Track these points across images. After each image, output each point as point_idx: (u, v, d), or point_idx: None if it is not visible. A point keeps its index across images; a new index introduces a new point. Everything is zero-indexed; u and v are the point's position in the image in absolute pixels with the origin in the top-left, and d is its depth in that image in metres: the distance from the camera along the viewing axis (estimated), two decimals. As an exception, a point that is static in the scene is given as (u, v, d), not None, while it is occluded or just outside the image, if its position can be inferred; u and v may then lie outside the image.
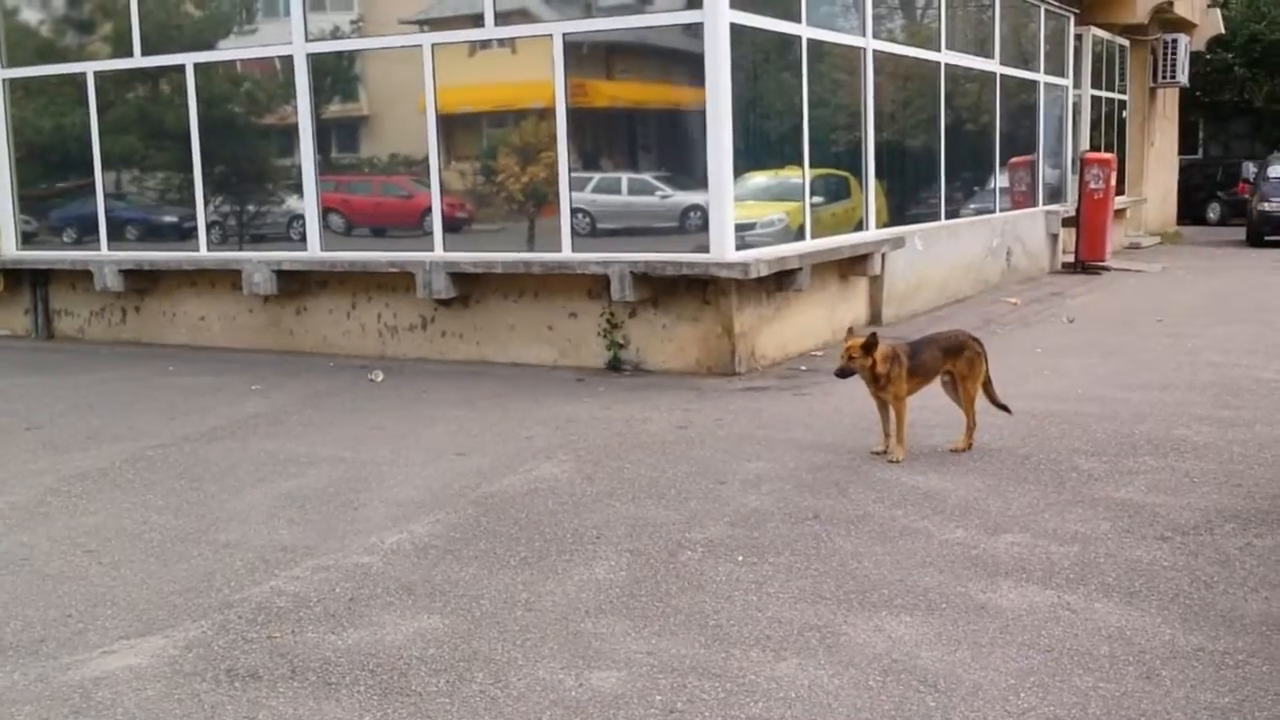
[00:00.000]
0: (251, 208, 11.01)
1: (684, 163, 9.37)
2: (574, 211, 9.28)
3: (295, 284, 10.43)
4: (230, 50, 10.76)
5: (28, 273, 11.74)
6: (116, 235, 11.35)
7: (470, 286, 9.74)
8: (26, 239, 11.83)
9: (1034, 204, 16.00)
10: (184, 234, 11.08)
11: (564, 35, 9.08)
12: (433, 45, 9.58)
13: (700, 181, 8.86)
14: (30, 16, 11.81)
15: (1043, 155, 16.18)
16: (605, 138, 10.05)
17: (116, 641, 4.16)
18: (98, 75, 11.13)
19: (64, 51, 11.60)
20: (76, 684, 3.82)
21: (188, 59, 10.65)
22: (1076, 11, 16.87)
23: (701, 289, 9.01)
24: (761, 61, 9.63)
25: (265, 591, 4.61)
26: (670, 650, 3.97)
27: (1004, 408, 6.66)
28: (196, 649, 4.07)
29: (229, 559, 5.00)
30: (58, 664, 3.98)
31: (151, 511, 5.75)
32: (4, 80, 11.59)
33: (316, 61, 10.14)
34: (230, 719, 3.56)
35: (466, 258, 9.55)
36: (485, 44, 9.66)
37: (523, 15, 9.54)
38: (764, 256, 8.90)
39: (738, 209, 8.97)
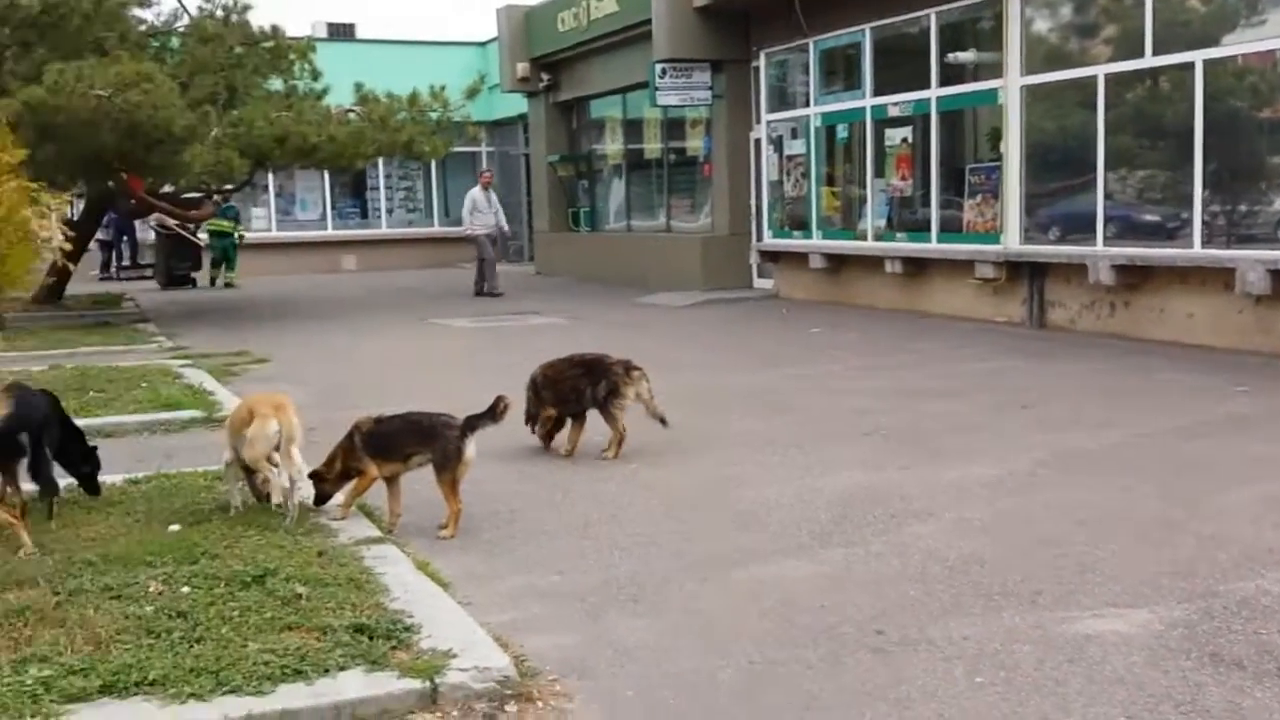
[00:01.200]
0: (1243, 206, 10.70)
1: None
2: None
3: (1291, 285, 9.91)
4: (1236, 45, 10.54)
5: (1026, 265, 12.71)
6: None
7: None
8: (1024, 235, 12.85)
9: None
10: (1169, 232, 11.15)
11: None
12: None
13: None
14: (1041, 26, 12.74)
15: None
16: None
17: (1104, 607, 4.53)
18: (1107, 77, 11.59)
19: (1069, 56, 12.32)
20: (1070, 637, 4.26)
21: (1196, 56, 10.63)
22: None
23: None
24: None
25: (1249, 588, 4.63)
26: None
27: None
28: (1179, 629, 4.27)
29: (1211, 551, 5.10)
30: (1052, 616, 4.46)
31: (1134, 496, 6.06)
32: (1022, 87, 12.62)
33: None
34: (1215, 700, 3.71)
35: None
36: None
37: None
38: None
39: None
